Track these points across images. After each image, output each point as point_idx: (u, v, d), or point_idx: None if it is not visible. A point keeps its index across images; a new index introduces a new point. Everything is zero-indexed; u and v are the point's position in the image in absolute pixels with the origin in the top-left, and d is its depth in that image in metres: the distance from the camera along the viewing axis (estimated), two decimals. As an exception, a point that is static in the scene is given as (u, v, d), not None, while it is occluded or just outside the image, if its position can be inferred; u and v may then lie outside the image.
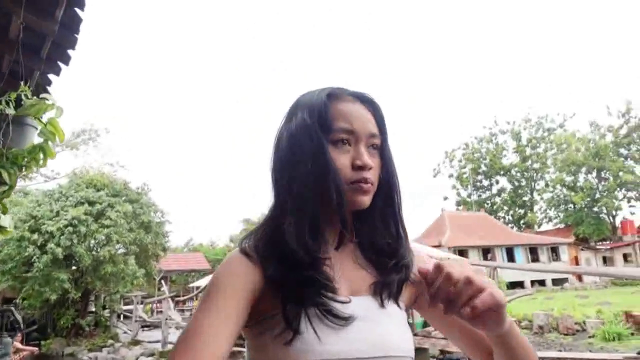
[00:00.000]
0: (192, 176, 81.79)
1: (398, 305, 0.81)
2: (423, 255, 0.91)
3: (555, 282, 30.21)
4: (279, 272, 0.72)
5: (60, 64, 2.45)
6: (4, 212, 2.33)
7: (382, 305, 0.77)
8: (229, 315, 0.68)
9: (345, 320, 0.70)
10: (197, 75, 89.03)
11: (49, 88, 2.74)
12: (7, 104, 1.89)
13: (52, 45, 2.25)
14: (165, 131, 78.85)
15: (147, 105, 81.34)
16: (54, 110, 2.13)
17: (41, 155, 2.13)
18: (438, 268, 0.66)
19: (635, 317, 11.06)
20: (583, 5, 70.23)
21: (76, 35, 2.19)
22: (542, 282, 30.28)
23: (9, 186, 2.38)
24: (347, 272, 0.79)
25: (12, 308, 12.82)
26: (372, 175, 0.78)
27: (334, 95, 0.81)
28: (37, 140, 2.15)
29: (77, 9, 2.02)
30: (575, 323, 12.32)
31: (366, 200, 0.78)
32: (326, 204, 0.75)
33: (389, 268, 0.81)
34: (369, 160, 0.77)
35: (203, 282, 15.09)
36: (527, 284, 29.42)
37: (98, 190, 15.75)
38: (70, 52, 2.34)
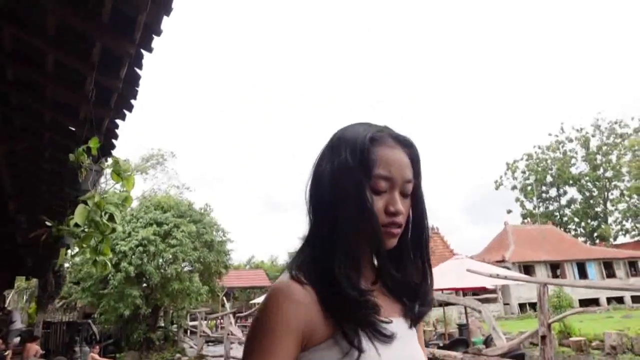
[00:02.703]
0: (254, 194, 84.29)
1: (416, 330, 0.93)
2: None
3: (635, 299, 27.93)
4: (333, 299, 0.78)
5: (125, 111, 2.90)
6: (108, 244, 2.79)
7: (410, 327, 0.88)
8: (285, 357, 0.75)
9: (390, 338, 0.79)
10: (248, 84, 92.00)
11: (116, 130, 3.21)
12: (83, 151, 2.33)
13: (118, 97, 2.68)
14: (222, 149, 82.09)
15: (198, 122, 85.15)
16: (132, 169, 2.63)
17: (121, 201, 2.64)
18: None
19: None
20: (655, 1, 65.57)
21: (137, 89, 2.61)
22: (619, 300, 28.15)
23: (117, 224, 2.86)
24: (381, 301, 0.86)
25: (90, 321, 13.98)
26: (402, 219, 0.85)
27: (376, 139, 0.85)
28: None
29: (136, 69, 2.43)
30: (653, 344, 11.47)
31: (393, 242, 0.85)
32: (366, 243, 0.84)
33: (416, 302, 0.90)
34: (401, 207, 0.83)
35: (262, 298, 15.54)
36: (603, 301, 27.46)
37: (165, 212, 16.80)
38: (132, 101, 2.77)
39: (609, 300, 27.82)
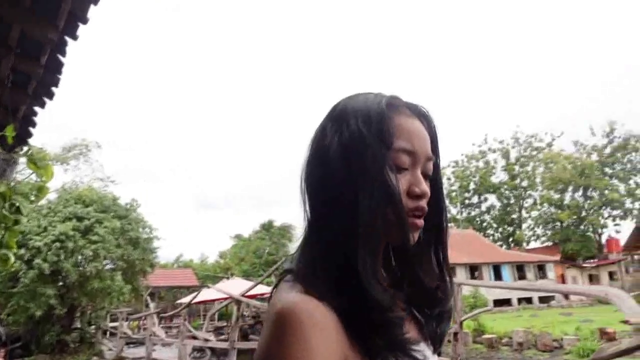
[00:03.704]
0: (185, 191, 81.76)
1: None
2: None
3: (542, 299, 30.47)
4: (362, 317, 0.60)
5: (45, 98, 2.76)
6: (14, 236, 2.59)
7: (433, 353, 0.72)
8: None
9: None
10: (180, 84, 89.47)
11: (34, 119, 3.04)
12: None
13: (38, 84, 2.56)
14: (155, 144, 79.00)
15: (136, 117, 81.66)
16: (49, 158, 2.49)
17: (35, 192, 2.49)
18: None
19: (609, 334, 11.39)
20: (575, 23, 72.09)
21: (59, 76, 2.51)
22: (529, 300, 30.52)
23: (23, 216, 2.67)
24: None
25: (-4, 322, 12.94)
26: (426, 204, 0.68)
27: (391, 106, 0.69)
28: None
29: (59, 55, 2.34)
30: (554, 340, 12.59)
31: (415, 236, 0.68)
32: (383, 237, 0.66)
33: (437, 316, 0.74)
34: (427, 189, 0.68)
35: (188, 298, 15.16)
36: (514, 301, 29.66)
37: (87, 206, 15.87)
38: (53, 89, 2.65)
39: (519, 300, 30.09)
